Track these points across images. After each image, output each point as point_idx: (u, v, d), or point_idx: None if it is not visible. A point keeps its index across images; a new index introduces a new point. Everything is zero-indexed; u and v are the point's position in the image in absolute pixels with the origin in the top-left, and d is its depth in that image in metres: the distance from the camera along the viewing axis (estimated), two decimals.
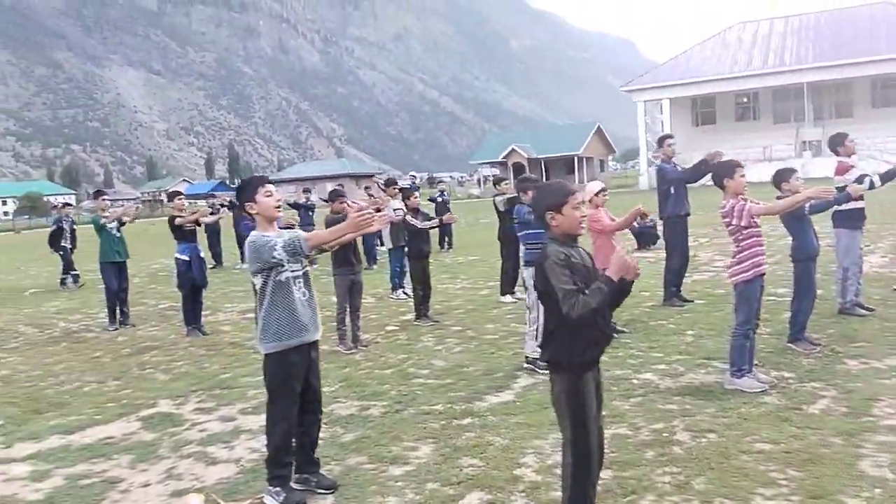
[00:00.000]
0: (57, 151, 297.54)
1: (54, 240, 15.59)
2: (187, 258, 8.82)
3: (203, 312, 9.30)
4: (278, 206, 3.83)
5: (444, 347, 7.42)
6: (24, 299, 13.94)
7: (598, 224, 6.99)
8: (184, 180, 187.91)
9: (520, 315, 8.70)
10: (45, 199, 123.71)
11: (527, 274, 6.25)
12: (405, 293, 10.66)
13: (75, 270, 15.32)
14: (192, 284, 8.87)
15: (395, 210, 9.87)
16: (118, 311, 9.86)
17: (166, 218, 9.29)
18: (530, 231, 6.23)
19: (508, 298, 9.69)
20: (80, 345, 8.96)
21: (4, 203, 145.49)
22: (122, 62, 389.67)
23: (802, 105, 50.71)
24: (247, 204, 3.81)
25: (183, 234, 8.82)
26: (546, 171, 67.52)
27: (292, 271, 3.80)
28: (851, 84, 48.88)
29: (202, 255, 9.13)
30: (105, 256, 9.75)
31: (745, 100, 54.14)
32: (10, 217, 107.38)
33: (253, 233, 3.84)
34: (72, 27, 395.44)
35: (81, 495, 4.30)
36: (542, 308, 6.12)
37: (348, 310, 7.61)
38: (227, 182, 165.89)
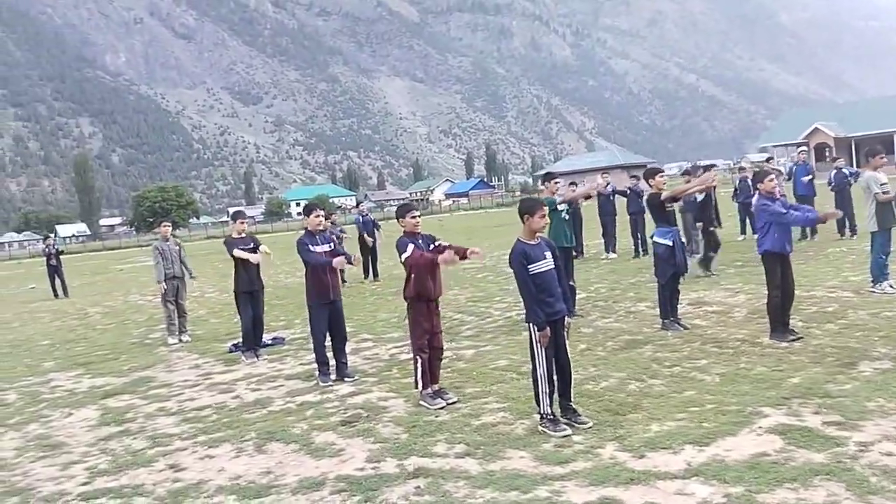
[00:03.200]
0: (336, 158, 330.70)
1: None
2: (670, 243, 7.87)
3: None
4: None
5: None
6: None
7: None
8: (447, 180, 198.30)
9: None
10: (330, 200, 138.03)
11: None
12: (892, 286, 8.85)
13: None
14: (673, 272, 7.92)
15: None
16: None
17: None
18: None
19: None
20: None
21: (298, 205, 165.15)
22: (389, 73, 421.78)
23: None
24: None
25: (665, 215, 7.88)
26: (856, 151, 59.49)
27: None
28: None
29: (683, 239, 8.17)
30: (556, 241, 9.17)
31: None
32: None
33: None
34: (346, 44, 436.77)
35: None
36: None
37: None
38: (486, 180, 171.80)
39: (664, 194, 7.92)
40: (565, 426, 5.06)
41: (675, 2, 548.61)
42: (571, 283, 9.32)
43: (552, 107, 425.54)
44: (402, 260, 5.97)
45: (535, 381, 5.18)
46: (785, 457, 4.28)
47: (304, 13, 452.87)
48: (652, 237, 8.16)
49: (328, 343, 7.32)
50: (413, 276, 5.98)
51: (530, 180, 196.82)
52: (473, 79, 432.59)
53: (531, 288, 5.09)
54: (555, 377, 5.18)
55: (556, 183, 9.41)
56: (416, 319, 6.06)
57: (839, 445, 4.36)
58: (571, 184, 16.93)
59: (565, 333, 5.27)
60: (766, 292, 7.27)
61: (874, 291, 8.92)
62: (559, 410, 5.24)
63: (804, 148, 16.06)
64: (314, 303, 7.13)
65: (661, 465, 4.33)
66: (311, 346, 8.73)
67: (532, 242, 5.18)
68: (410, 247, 5.91)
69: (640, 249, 15.17)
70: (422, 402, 6.05)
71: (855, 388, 5.42)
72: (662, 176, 8.18)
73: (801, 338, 7.03)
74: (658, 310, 8.25)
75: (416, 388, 6.13)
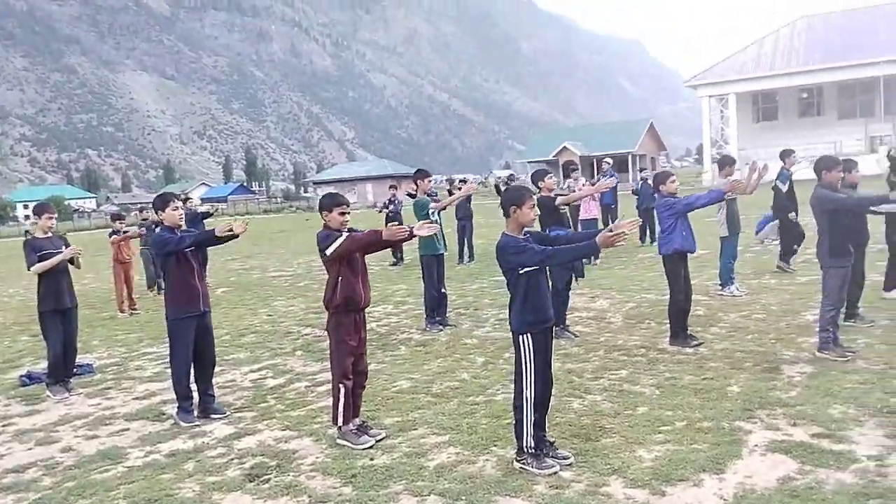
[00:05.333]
0: (72, 156, 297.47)
1: None
2: None
3: None
4: None
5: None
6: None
7: None
8: (203, 183, 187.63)
9: None
10: (66, 202, 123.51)
11: None
12: (738, 289, 9.29)
13: None
14: (569, 275, 7.49)
15: None
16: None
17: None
18: None
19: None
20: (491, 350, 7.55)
21: (27, 207, 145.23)
22: (136, 67, 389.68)
23: (870, 99, 49.19)
24: None
25: (558, 217, 7.42)
26: (597, 168, 66.10)
27: None
28: None
29: None
30: (427, 248, 8.35)
31: (805, 95, 52.51)
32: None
33: None
34: (86, 33, 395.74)
35: None
36: None
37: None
38: (246, 185, 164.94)
39: (558, 199, 7.48)
40: (551, 462, 4.25)
41: (429, 23, 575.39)
42: (444, 290, 8.59)
43: (313, 115, 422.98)
44: (331, 253, 4.75)
45: (520, 406, 4.30)
46: (813, 479, 3.86)
47: None
48: None
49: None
50: (340, 278, 4.80)
51: (293, 187, 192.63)
52: (230, 80, 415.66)
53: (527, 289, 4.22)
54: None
55: (429, 181, 8.57)
56: (342, 337, 4.88)
57: (854, 461, 4.06)
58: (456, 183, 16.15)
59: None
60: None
61: (723, 294, 9.28)
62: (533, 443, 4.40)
63: (609, 159, 16.93)
64: (177, 315, 5.55)
65: (695, 503, 3.70)
66: (159, 371, 7.11)
67: (521, 237, 4.31)
68: (344, 236, 4.74)
69: (467, 255, 14.86)
70: (343, 441, 4.87)
71: (801, 395, 5.28)
72: (552, 178, 7.75)
73: (702, 343, 6.93)
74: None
75: (336, 423, 4.93)
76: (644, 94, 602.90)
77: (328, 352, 7.72)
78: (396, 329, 8.73)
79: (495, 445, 4.68)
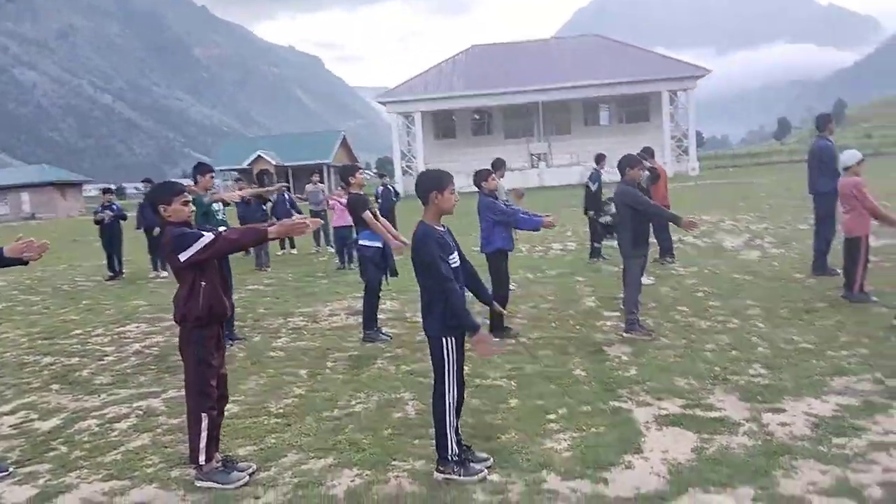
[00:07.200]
0: None
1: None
2: (379, 244, 7.03)
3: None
4: None
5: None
6: None
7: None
8: None
9: None
10: None
11: None
12: (515, 283, 9.74)
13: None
14: (383, 275, 7.11)
15: None
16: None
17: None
18: None
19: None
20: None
21: None
22: None
23: (530, 122, 56.33)
24: None
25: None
26: (293, 178, 65.69)
27: None
28: (569, 105, 55.28)
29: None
30: None
31: (477, 116, 58.30)
32: None
33: None
34: None
35: None
36: None
37: None
38: None
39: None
40: (477, 467, 3.88)
41: (88, 19, 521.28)
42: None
43: None
44: (186, 259, 3.78)
45: (441, 412, 3.86)
46: (720, 445, 4.07)
47: None
48: (356, 241, 7.21)
49: None
50: (203, 284, 3.85)
51: None
52: None
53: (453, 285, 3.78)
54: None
55: (212, 177, 7.47)
56: (203, 356, 3.92)
57: (738, 425, 4.37)
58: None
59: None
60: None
61: None
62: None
63: (366, 169, 16.70)
64: None
65: (642, 486, 3.65)
66: None
67: (441, 229, 3.86)
68: (210, 237, 3.79)
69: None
70: (208, 483, 3.92)
71: (642, 372, 5.60)
72: (362, 173, 7.37)
73: (518, 333, 7.07)
74: (361, 319, 7.33)
75: (197, 462, 3.95)
76: (322, 109, 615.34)
77: (95, 380, 6.39)
78: (171, 350, 7.47)
79: (394, 460, 4.17)
